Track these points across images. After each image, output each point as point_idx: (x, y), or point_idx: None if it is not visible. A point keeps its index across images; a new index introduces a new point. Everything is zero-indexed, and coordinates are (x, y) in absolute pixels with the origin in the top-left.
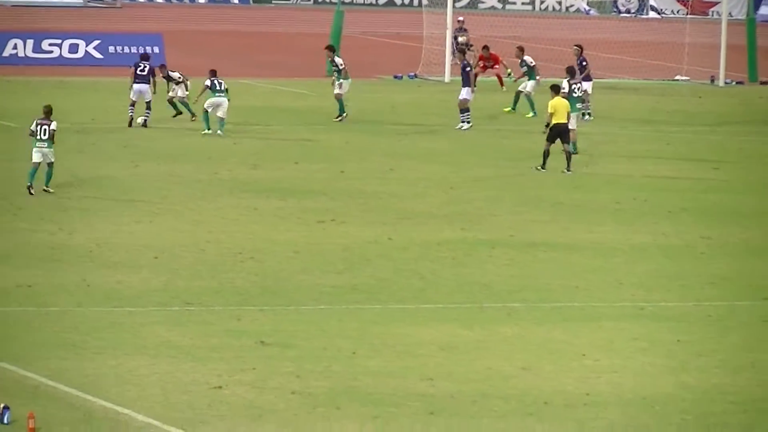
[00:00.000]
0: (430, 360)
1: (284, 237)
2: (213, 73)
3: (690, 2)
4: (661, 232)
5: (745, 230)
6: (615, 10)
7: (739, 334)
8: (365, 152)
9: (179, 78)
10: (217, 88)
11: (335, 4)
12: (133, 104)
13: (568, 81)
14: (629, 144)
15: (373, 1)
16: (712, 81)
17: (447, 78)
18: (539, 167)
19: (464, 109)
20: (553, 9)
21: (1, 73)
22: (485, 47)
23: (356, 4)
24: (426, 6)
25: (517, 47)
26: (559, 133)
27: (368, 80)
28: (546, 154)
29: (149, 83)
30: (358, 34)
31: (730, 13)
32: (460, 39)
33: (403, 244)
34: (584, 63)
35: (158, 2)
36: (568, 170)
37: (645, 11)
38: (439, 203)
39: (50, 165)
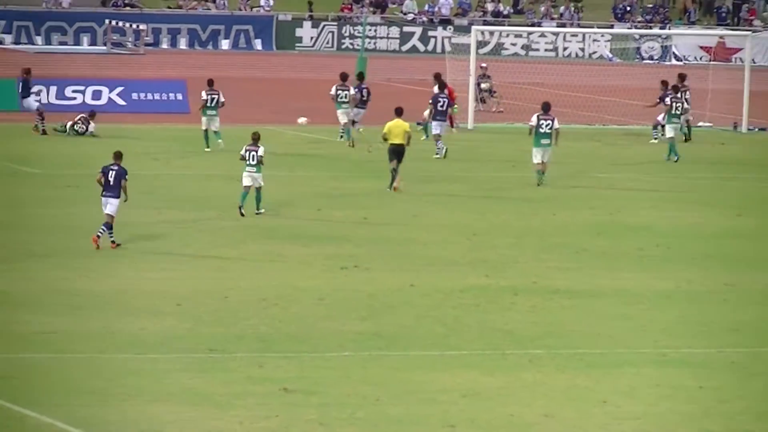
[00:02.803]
0: (453, 407)
1: (308, 284)
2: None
3: (713, 49)
4: (684, 279)
5: None
6: (638, 56)
7: (763, 381)
8: (388, 198)
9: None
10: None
11: (358, 50)
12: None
13: (538, 116)
14: (652, 190)
15: (396, 47)
16: (735, 127)
17: (470, 124)
18: (389, 188)
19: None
20: (576, 56)
21: (24, 120)
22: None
23: (379, 50)
24: (449, 52)
25: (434, 74)
26: (397, 152)
27: None
28: (393, 173)
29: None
30: (381, 81)
31: (753, 60)
32: (483, 85)
33: (426, 290)
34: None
35: (182, 49)
36: (390, 188)
37: (668, 58)
38: (462, 250)
39: (259, 189)
